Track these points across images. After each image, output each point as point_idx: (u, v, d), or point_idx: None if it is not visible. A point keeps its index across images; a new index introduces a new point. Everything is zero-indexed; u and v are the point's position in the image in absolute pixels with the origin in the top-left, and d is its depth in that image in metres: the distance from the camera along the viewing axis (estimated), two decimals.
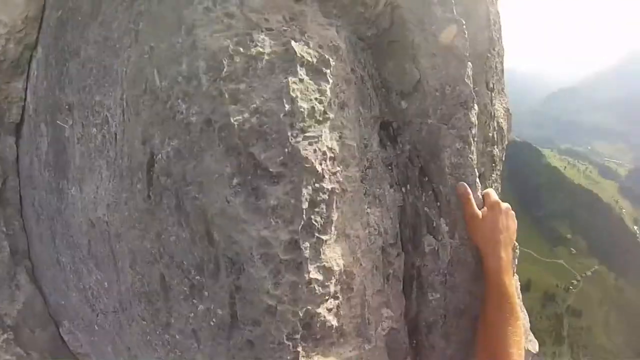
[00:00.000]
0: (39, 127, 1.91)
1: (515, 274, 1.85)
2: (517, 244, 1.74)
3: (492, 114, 1.92)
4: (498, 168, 2.31)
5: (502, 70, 2.74)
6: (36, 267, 2.34)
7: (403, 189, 1.36)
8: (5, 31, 1.86)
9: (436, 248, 1.36)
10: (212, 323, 1.04)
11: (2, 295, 2.17)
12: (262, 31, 1.03)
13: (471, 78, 1.37)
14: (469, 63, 1.35)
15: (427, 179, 1.36)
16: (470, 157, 1.36)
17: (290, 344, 0.98)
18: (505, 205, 1.40)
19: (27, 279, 2.29)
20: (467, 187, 1.34)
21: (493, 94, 1.90)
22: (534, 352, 2.52)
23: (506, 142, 2.57)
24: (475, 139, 1.40)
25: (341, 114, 1.12)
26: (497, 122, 2.20)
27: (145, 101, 1.12)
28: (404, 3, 1.31)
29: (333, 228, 1.02)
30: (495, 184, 2.38)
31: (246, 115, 0.95)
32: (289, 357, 0.98)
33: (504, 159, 2.64)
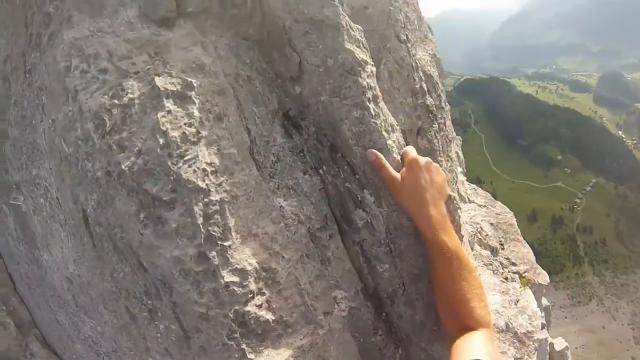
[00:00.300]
0: (1, 209, 2.06)
1: (462, 224, 1.86)
2: (453, 194, 1.70)
3: (414, 65, 1.91)
4: (440, 116, 2.31)
5: (421, 17, 2.72)
6: (44, 332, 2.49)
7: (320, 171, 1.42)
8: None
9: (369, 220, 1.38)
10: (173, 338, 1.16)
11: None
12: (130, 77, 1.14)
13: (355, 43, 1.37)
14: (345, 29, 1.35)
15: (339, 154, 1.39)
16: (373, 122, 1.34)
17: (233, 343, 1.10)
18: (424, 160, 1.34)
19: (39, 346, 2.45)
20: (377, 152, 1.32)
21: (409, 45, 1.90)
22: (545, 284, 2.55)
23: (441, 88, 2.58)
24: (378, 101, 1.39)
25: (218, 126, 1.21)
26: (424, 71, 2.15)
27: (63, 167, 1.24)
28: None
29: (234, 233, 1.14)
30: (442, 133, 2.41)
31: (132, 159, 1.08)
32: (236, 355, 1.10)
33: (445, 104, 2.66)
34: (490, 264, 2.35)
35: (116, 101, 1.11)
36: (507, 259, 2.49)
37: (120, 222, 1.10)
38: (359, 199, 1.39)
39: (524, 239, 2.73)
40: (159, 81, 1.13)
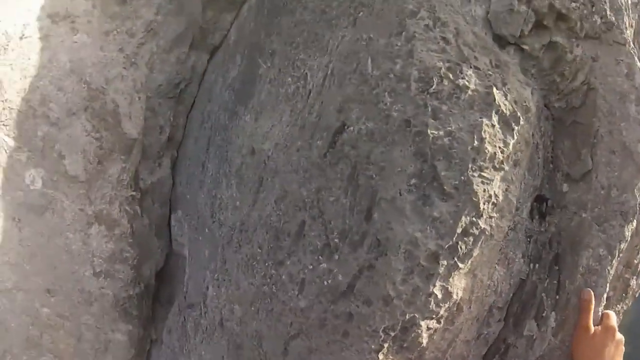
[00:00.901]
0: (234, 56, 2.18)
1: None
2: None
3: None
4: (627, 302, 2.10)
5: None
6: (179, 160, 2.70)
7: (531, 265, 1.38)
8: None
9: (534, 337, 1.36)
10: (325, 283, 1.21)
11: (147, 165, 2.52)
12: (470, 67, 1.14)
13: None
14: None
15: (557, 268, 1.37)
16: (608, 270, 1.33)
17: (383, 336, 1.11)
18: (619, 336, 1.33)
19: (168, 164, 2.64)
20: (592, 295, 1.31)
21: None
22: None
23: None
24: (620, 257, 1.35)
25: (513, 170, 1.19)
26: None
27: (352, 78, 1.26)
28: (601, 88, 1.31)
29: (469, 262, 1.13)
30: (617, 318, 2.18)
31: (441, 133, 1.08)
32: (372, 347, 1.12)
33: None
34: None
35: (451, 75, 1.12)
36: None
37: (384, 165, 1.12)
38: (543, 315, 1.35)
39: None
40: (497, 94, 1.13)
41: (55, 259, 2.20)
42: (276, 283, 1.46)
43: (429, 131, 1.09)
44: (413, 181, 1.10)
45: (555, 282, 1.35)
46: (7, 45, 1.93)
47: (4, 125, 1.93)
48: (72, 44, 2.01)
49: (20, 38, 1.95)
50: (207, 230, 2.19)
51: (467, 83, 1.12)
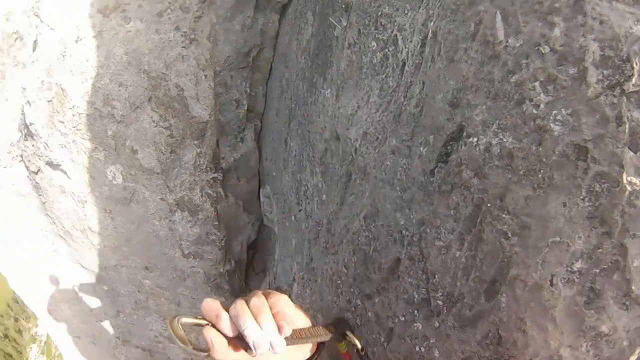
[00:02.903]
0: (305, 14, 1.77)
1: None
2: None
3: None
4: None
5: None
6: (264, 131, 2.44)
7: None
8: None
9: None
10: (417, 349, 0.87)
11: (228, 142, 2.32)
12: None
13: None
14: None
15: None
16: None
17: None
18: None
19: (252, 137, 2.41)
20: None
21: None
22: None
23: None
24: None
25: None
26: None
27: (471, 50, 0.80)
28: None
29: None
30: None
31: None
32: None
33: None
34: None
35: None
36: None
37: (529, 222, 0.69)
38: None
39: None
40: None
41: (147, 243, 2.17)
42: (361, 316, 1.15)
43: (623, 178, 0.61)
44: (578, 265, 0.64)
45: None
46: (65, 52, 1.79)
47: (77, 130, 1.84)
48: (126, 34, 1.78)
49: (76, 41, 1.79)
50: (293, 218, 1.94)
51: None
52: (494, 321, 0.72)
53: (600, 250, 0.63)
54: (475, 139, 0.75)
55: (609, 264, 0.63)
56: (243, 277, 2.77)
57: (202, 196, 2.05)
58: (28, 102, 1.93)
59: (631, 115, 0.61)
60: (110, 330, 2.72)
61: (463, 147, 0.78)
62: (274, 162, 2.19)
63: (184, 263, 2.29)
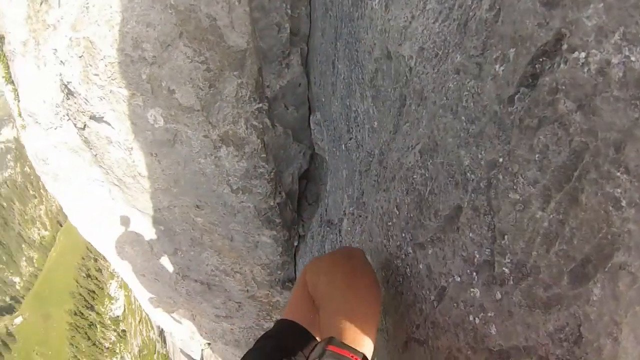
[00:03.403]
0: None
1: None
2: None
3: None
4: None
5: None
6: (311, 54, 2.24)
7: None
8: None
9: None
10: (471, 318, 0.72)
11: (272, 69, 2.17)
12: None
13: None
14: None
15: None
16: None
17: None
18: None
19: (298, 61, 2.23)
20: None
21: None
22: None
23: None
24: None
25: None
26: None
27: None
28: None
29: None
30: None
31: None
32: None
33: None
34: None
35: None
36: None
37: None
38: None
39: None
40: None
41: (195, 182, 2.15)
42: (411, 266, 1.01)
43: None
44: None
45: None
46: (87, 3, 1.66)
47: (112, 80, 1.75)
48: None
49: None
50: (343, 147, 1.80)
51: None
52: (576, 313, 0.54)
53: None
54: (584, 54, 0.51)
55: None
56: (295, 208, 2.73)
57: (247, 128, 1.95)
58: (61, 61, 1.89)
59: None
60: (170, 267, 2.85)
61: (562, 65, 0.54)
62: (323, 87, 2.02)
63: (233, 199, 2.27)
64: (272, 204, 2.30)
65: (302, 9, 2.01)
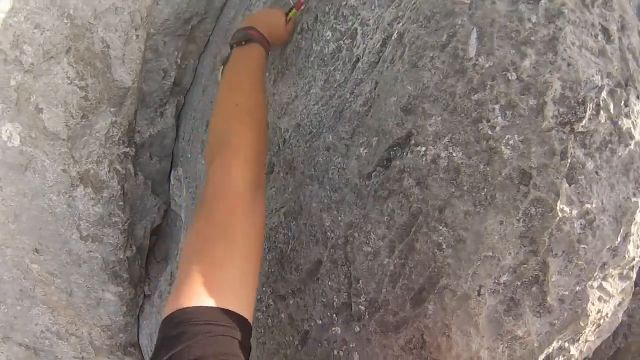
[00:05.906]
0: None
1: None
2: None
3: None
4: None
5: None
6: (186, 109, 2.27)
7: None
8: None
9: None
10: (335, 353, 0.86)
11: (146, 115, 2.14)
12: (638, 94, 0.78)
13: None
14: None
15: None
16: None
17: None
18: None
19: (172, 113, 2.23)
20: None
21: None
22: None
23: None
24: None
25: None
26: None
27: (437, 60, 0.76)
28: None
29: None
30: None
31: (574, 212, 0.72)
32: None
33: None
34: None
35: (612, 106, 0.75)
36: None
37: (466, 237, 0.72)
38: None
39: None
40: None
41: (40, 221, 1.90)
42: (273, 317, 1.08)
43: (557, 206, 0.67)
44: (504, 278, 0.71)
45: None
46: None
47: None
48: None
49: None
50: None
51: (631, 126, 0.71)
52: (419, 327, 0.75)
53: (525, 266, 0.70)
54: (424, 149, 0.76)
55: (531, 278, 0.71)
56: (144, 265, 2.57)
57: (110, 172, 1.85)
58: None
59: (575, 152, 0.69)
60: None
61: (409, 154, 0.77)
62: (192, 144, 2.06)
63: (80, 246, 2.05)
64: (122, 257, 2.14)
65: (191, 62, 2.06)
